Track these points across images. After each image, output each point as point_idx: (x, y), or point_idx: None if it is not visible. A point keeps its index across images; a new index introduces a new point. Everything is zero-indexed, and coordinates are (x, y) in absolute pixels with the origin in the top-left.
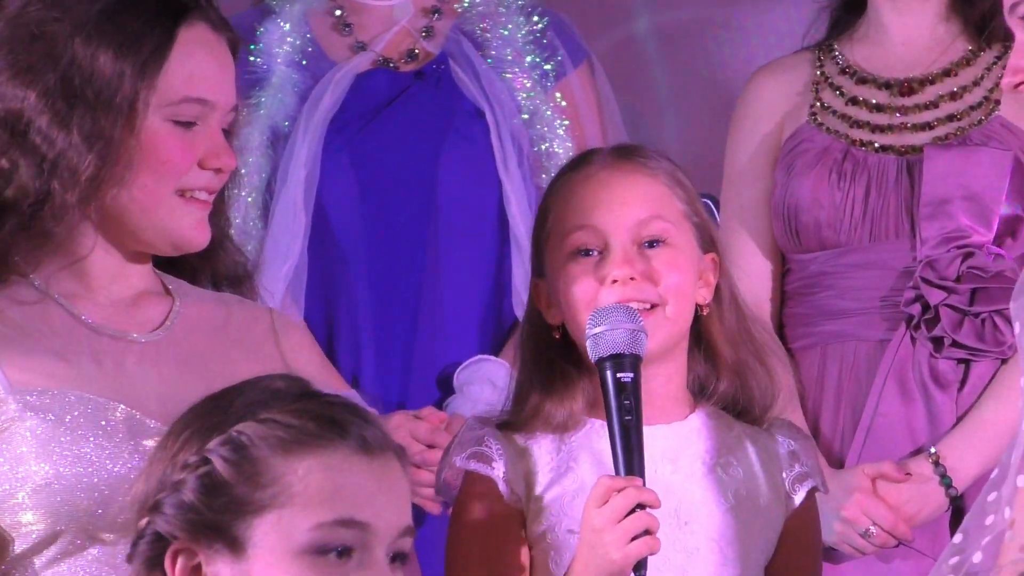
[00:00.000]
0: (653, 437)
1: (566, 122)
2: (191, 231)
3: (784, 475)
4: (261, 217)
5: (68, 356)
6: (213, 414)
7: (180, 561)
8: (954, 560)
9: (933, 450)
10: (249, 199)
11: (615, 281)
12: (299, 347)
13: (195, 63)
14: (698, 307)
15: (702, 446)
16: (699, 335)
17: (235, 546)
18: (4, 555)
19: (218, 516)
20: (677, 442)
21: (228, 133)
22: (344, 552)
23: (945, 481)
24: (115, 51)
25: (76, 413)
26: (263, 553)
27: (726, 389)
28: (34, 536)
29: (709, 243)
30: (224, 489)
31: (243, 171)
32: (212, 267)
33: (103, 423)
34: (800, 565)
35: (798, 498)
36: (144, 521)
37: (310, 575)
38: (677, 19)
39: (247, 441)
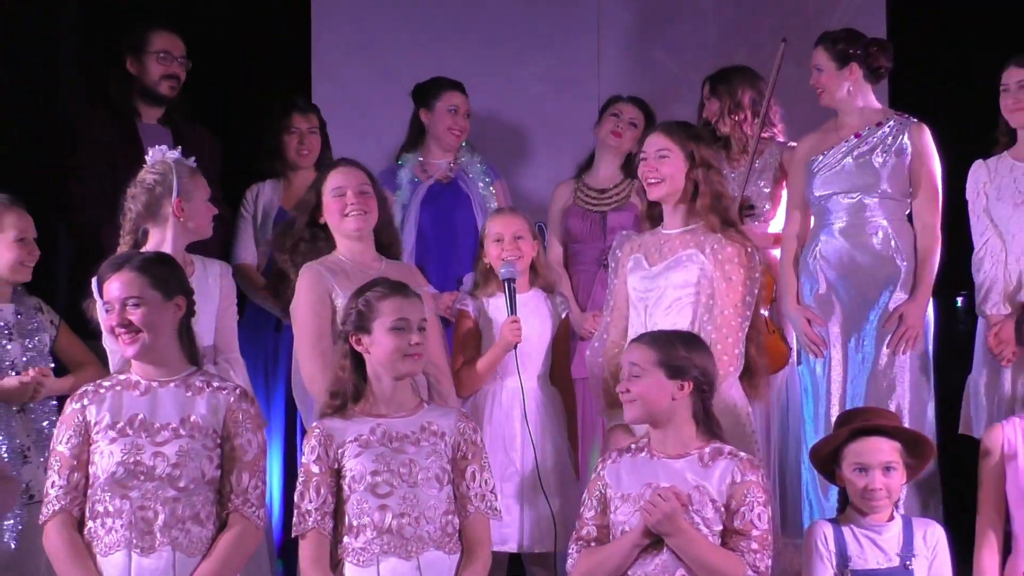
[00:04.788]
0: (521, 301)
1: (495, 198)
2: (354, 232)
3: (559, 308)
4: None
5: (352, 279)
6: (368, 286)
7: (355, 338)
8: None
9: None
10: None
11: (508, 251)
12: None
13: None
14: (533, 260)
15: (536, 301)
16: (534, 268)
17: (367, 331)
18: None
19: (362, 322)
20: (530, 302)
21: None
22: (401, 328)
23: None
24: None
25: None
26: (376, 332)
27: (543, 285)
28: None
29: (539, 235)
30: (361, 315)
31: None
32: (380, 246)
33: None
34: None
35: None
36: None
37: (393, 337)
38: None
39: (368, 295)
